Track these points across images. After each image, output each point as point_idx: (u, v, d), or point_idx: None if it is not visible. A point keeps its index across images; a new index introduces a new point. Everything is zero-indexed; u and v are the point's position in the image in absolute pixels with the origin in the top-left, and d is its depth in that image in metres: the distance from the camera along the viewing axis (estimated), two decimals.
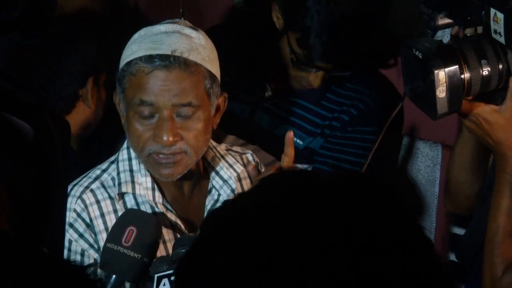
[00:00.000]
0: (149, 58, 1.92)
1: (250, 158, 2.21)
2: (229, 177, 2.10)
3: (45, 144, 1.07)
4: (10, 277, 0.86)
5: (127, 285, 1.82)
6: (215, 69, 1.99)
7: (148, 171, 2.03)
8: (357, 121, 2.56)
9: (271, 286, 0.95)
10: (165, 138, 1.92)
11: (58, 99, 2.53)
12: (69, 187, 2.03)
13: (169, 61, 1.92)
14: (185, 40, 1.95)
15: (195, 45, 1.96)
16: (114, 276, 1.73)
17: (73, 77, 2.55)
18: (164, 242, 1.99)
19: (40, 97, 1.11)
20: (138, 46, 1.96)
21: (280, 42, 2.49)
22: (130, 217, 1.82)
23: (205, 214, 2.05)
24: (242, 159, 2.18)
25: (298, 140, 2.54)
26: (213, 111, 2.02)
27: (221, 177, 2.10)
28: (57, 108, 2.52)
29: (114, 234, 1.77)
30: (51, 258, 0.95)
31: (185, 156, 1.96)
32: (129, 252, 1.73)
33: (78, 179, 2.07)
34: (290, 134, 2.04)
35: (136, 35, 2.00)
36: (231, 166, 2.13)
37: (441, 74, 1.71)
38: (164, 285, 1.72)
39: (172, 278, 1.71)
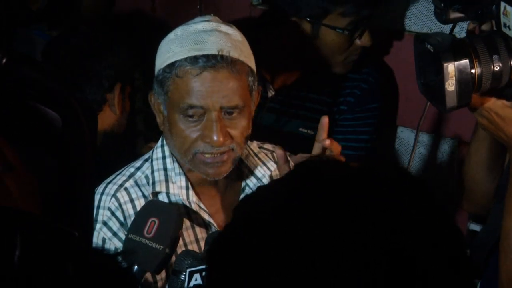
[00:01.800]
0: (195, 59, 1.90)
1: None
2: (263, 175, 2.09)
3: (73, 132, 1.08)
4: (43, 260, 0.87)
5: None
6: (253, 65, 1.99)
7: (182, 170, 2.02)
8: (363, 100, 2.60)
9: (309, 267, 0.97)
10: (215, 139, 1.91)
11: (88, 101, 2.56)
12: (103, 185, 2.04)
13: (217, 61, 1.89)
14: (226, 38, 1.93)
15: (235, 42, 1.94)
16: (136, 266, 1.75)
17: (102, 81, 2.58)
18: (197, 241, 2.01)
19: (68, 85, 1.13)
20: (179, 47, 1.93)
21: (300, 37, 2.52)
22: (152, 208, 1.82)
23: None
24: (274, 156, 2.16)
25: (309, 131, 2.57)
26: (253, 106, 2.02)
27: (255, 176, 2.09)
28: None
29: (137, 225, 1.78)
30: (81, 243, 0.98)
31: (231, 153, 1.96)
32: (151, 243, 1.75)
33: (112, 176, 2.07)
34: (325, 119, 2.04)
35: (171, 35, 1.97)
36: (264, 164, 2.12)
37: (451, 67, 1.70)
38: (196, 280, 1.73)
39: (204, 273, 1.71)
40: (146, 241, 1.75)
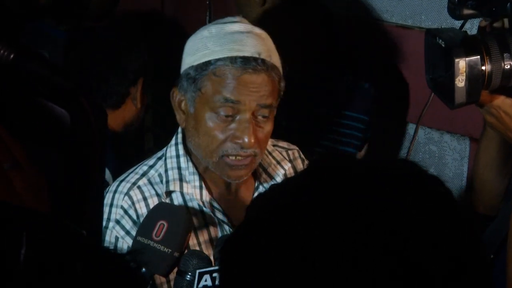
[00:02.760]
0: (235, 60, 1.88)
1: (297, 154, 2.20)
2: (277, 174, 2.09)
3: (81, 129, 1.08)
4: (49, 259, 0.87)
5: None
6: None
7: (197, 169, 2.02)
8: (347, 107, 2.62)
9: (310, 267, 0.97)
10: (246, 140, 1.90)
11: (111, 93, 2.63)
12: (116, 183, 2.04)
13: (257, 63, 1.88)
14: (262, 42, 1.93)
15: (270, 47, 1.94)
16: (144, 269, 1.73)
17: (128, 74, 2.65)
18: (211, 241, 2.00)
19: (75, 82, 1.13)
20: (218, 45, 1.91)
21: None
22: (161, 211, 1.81)
23: None
24: (288, 155, 2.17)
25: (289, 123, 2.58)
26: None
27: (268, 174, 2.09)
28: (108, 102, 2.60)
29: (145, 227, 1.77)
30: (89, 242, 0.97)
31: (254, 158, 1.96)
32: (159, 246, 1.73)
33: (125, 174, 2.07)
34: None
35: (205, 33, 1.95)
36: (278, 162, 2.12)
37: (462, 63, 1.69)
38: (206, 281, 1.71)
39: (214, 274, 1.71)
40: (155, 244, 1.74)
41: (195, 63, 1.93)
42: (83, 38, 2.77)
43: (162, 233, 1.75)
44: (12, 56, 1.05)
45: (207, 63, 1.91)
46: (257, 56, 1.89)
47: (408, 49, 2.90)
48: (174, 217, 1.79)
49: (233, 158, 1.93)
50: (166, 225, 1.76)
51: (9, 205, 0.94)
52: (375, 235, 0.97)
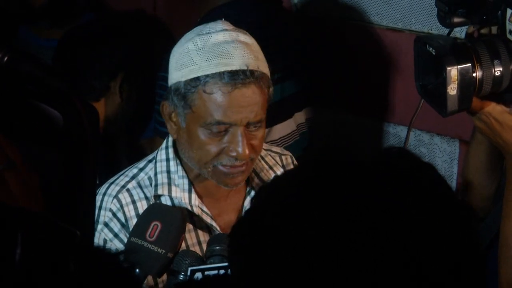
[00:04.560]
0: (223, 75, 1.86)
1: (290, 160, 2.19)
2: (269, 179, 2.07)
3: (75, 130, 1.08)
4: (44, 258, 0.88)
5: None
6: (268, 70, 1.97)
7: (186, 172, 2.01)
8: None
9: (305, 267, 0.98)
10: (241, 152, 1.89)
11: (89, 87, 2.67)
12: (106, 186, 2.03)
13: (246, 76, 1.87)
14: (248, 50, 1.90)
15: (256, 53, 1.91)
16: (137, 270, 1.73)
17: (105, 69, 2.69)
18: (199, 243, 1.99)
19: (68, 83, 1.13)
20: (204, 60, 1.88)
21: None
22: (155, 211, 1.81)
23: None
24: (281, 160, 2.16)
25: None
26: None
27: (260, 179, 2.08)
28: (88, 95, 2.65)
29: (139, 228, 1.77)
30: (82, 241, 0.98)
31: (250, 163, 1.96)
32: (153, 247, 1.74)
33: (115, 177, 2.06)
34: None
35: (190, 45, 1.91)
36: (270, 167, 2.11)
37: (453, 72, 1.68)
38: (197, 278, 1.71)
39: (206, 272, 1.71)
40: (148, 244, 1.74)
41: (183, 79, 1.91)
42: (64, 35, 2.81)
43: (156, 233, 1.75)
44: (6, 58, 1.06)
45: (196, 80, 1.89)
46: (245, 68, 1.87)
47: (399, 51, 2.92)
48: (168, 218, 1.79)
49: (229, 167, 1.93)
50: (160, 225, 1.76)
51: (5, 205, 0.94)
52: (375, 235, 0.97)
